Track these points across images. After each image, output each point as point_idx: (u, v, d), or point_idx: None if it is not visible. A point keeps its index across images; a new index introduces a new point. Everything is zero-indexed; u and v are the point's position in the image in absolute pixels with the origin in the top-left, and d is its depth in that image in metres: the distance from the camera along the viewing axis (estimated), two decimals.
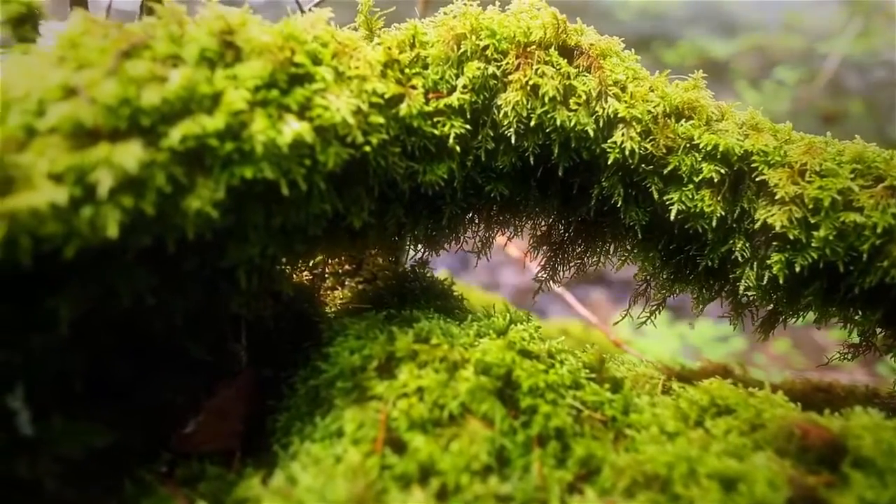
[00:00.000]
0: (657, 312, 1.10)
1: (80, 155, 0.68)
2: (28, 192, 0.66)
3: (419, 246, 1.07)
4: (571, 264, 1.09)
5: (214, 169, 0.74)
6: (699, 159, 0.94)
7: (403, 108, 0.85)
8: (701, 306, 1.05)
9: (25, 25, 1.66)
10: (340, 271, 1.18)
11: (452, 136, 0.88)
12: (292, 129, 0.75)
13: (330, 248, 1.01)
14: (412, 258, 1.16)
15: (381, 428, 0.74)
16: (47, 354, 0.73)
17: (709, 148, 0.94)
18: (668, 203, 0.94)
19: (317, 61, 0.82)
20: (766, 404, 0.82)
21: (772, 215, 0.91)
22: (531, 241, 1.10)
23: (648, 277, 1.08)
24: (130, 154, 0.69)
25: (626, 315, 1.13)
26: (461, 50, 0.91)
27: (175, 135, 0.71)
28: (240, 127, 0.74)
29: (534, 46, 0.93)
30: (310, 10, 0.87)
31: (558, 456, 0.76)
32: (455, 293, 1.13)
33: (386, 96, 0.84)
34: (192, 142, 0.72)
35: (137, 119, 0.71)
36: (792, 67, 4.07)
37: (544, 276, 1.12)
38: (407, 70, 0.89)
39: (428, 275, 1.12)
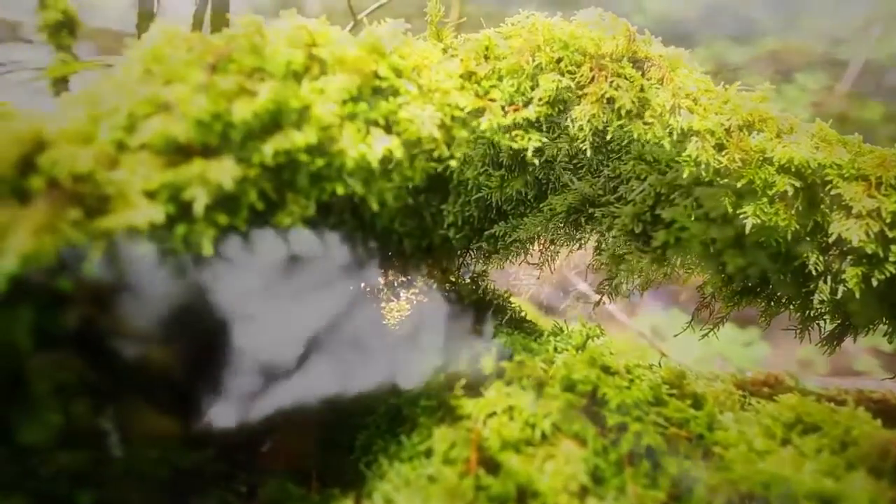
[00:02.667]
0: (721, 325, 1.09)
1: (173, 172, 0.67)
2: (125, 210, 0.64)
3: (482, 258, 1.06)
4: (636, 277, 1.08)
5: (304, 185, 0.73)
6: (773, 172, 0.93)
7: (484, 122, 0.84)
8: (768, 319, 1.04)
9: (62, 32, 1.65)
10: (396, 283, 1.17)
11: (531, 149, 0.87)
12: (383, 143, 0.74)
13: (404, 261, 1.00)
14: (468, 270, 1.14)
15: (473, 447, 0.73)
16: (134, 374, 0.72)
17: (783, 161, 0.93)
18: (741, 217, 0.93)
19: (398, 74, 0.81)
20: (854, 421, 0.81)
21: (847, 229, 0.91)
22: (595, 254, 1.09)
23: (714, 291, 1.07)
24: (225, 170, 0.67)
25: (687, 327, 1.12)
26: (536, 62, 0.90)
27: (268, 150, 0.70)
28: (329, 142, 0.73)
29: (607, 58, 0.93)
30: (384, 20, 0.86)
31: (650, 475, 0.75)
32: (514, 305, 1.12)
33: (467, 110, 0.84)
34: (283, 157, 0.71)
35: (229, 134, 0.70)
36: (810, 73, 4.09)
37: (607, 288, 1.10)
38: (484, 82, 0.88)
39: (489, 287, 1.11)
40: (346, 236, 0.86)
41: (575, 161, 0.95)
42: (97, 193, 0.65)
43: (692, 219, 0.93)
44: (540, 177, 0.94)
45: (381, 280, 1.17)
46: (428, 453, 0.75)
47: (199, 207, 0.66)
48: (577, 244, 1.08)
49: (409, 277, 1.18)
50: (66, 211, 0.62)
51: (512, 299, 1.14)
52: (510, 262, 1.05)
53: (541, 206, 0.99)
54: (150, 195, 0.66)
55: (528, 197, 0.97)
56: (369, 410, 0.85)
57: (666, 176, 0.93)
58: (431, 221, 0.94)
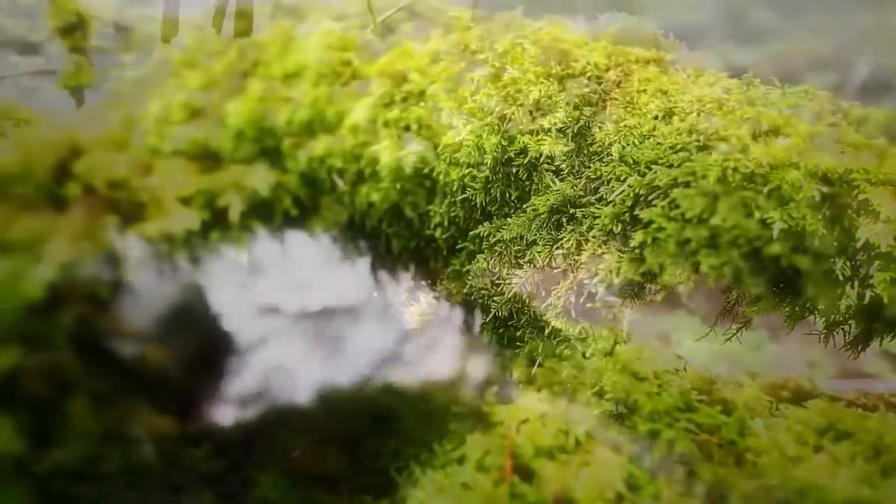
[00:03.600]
0: (743, 330, 1.09)
1: (208, 178, 0.67)
2: (162, 217, 0.64)
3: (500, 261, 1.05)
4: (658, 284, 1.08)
5: (338, 190, 0.72)
6: (800, 177, 0.93)
7: (513, 127, 0.84)
8: (792, 324, 1.04)
9: (76, 34, 1.64)
10: (415, 286, 1.17)
11: (558, 153, 0.87)
12: (415, 149, 0.74)
13: (424, 264, 1.00)
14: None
15: (507, 455, 0.73)
16: (163, 383, 0.72)
17: (810, 166, 0.92)
18: (769, 222, 0.93)
19: (428, 79, 0.80)
20: (886, 427, 0.81)
21: (875, 234, 0.90)
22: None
23: (738, 296, 1.06)
24: (260, 176, 0.67)
25: (709, 332, 1.11)
26: (563, 66, 0.90)
27: (302, 156, 0.70)
28: (363, 147, 0.73)
29: (633, 63, 0.92)
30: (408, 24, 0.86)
31: (684, 482, 0.75)
32: (535, 310, 1.12)
33: (496, 114, 0.83)
34: (317, 163, 0.71)
35: (263, 140, 0.70)
36: (816, 75, 4.09)
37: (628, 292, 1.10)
38: (511, 87, 0.88)
39: (508, 292, 1.11)
40: (338, 235, 0.85)
41: (557, 163, 0.94)
42: (133, 200, 0.65)
43: (668, 219, 0.91)
44: (523, 178, 0.94)
45: (379, 280, 1.16)
46: (461, 460, 0.74)
47: (234, 214, 0.66)
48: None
49: (403, 277, 1.17)
50: (102, 218, 0.62)
51: (533, 303, 1.13)
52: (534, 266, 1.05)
53: (524, 206, 0.98)
54: (185, 201, 0.66)
55: (512, 198, 0.96)
56: (395, 416, 0.85)
57: (645, 177, 0.92)
58: (419, 222, 0.93)
